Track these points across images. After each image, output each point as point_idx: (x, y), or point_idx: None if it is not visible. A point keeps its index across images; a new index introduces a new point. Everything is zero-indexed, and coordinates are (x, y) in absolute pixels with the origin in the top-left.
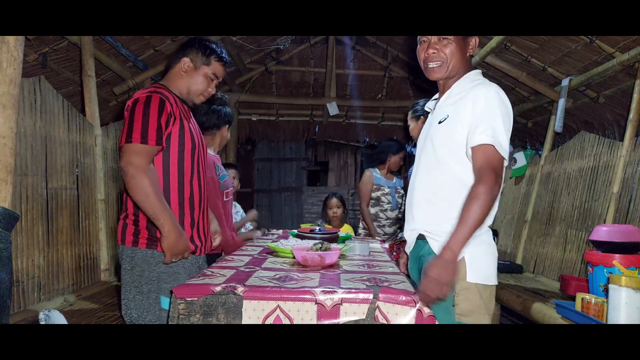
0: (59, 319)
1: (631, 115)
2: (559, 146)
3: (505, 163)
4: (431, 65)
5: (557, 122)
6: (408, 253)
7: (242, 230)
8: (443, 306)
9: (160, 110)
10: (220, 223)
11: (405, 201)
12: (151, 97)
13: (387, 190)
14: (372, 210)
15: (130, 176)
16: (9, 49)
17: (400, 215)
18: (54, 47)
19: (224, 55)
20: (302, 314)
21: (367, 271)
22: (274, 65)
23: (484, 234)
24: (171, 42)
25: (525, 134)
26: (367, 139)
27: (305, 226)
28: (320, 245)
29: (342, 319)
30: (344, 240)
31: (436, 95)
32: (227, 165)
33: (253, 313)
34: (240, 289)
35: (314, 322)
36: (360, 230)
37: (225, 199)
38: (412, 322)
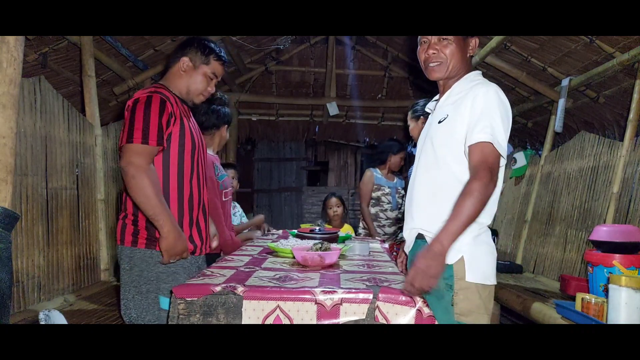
0: (59, 319)
1: (631, 115)
2: (559, 146)
3: (503, 162)
4: (431, 65)
5: (557, 122)
6: (407, 252)
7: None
8: (442, 306)
9: (161, 111)
10: (219, 223)
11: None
12: (152, 97)
13: (387, 190)
14: (372, 210)
15: (131, 176)
16: (9, 49)
17: (400, 216)
18: (54, 47)
19: (222, 54)
20: (302, 314)
21: (367, 271)
22: (274, 65)
23: (483, 234)
24: (171, 42)
25: (525, 134)
26: (367, 139)
27: (305, 226)
28: (320, 245)
29: (342, 319)
30: (344, 240)
31: (437, 96)
32: (226, 165)
33: (253, 313)
34: (240, 289)
35: (314, 322)
36: (360, 230)
37: (224, 199)
38: (412, 322)
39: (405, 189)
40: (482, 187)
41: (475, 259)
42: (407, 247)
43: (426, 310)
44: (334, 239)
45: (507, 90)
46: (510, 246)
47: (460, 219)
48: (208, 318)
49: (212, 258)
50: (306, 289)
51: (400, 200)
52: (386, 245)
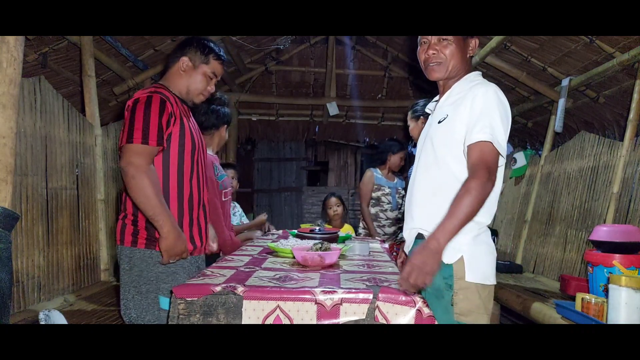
0: (59, 319)
1: (631, 115)
2: (559, 146)
3: (502, 161)
4: (431, 65)
5: (557, 122)
6: (407, 252)
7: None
8: (442, 305)
9: (161, 111)
10: (219, 223)
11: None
12: (152, 98)
13: (387, 190)
14: (372, 210)
15: (131, 176)
16: (9, 49)
17: (400, 216)
18: (54, 47)
19: (222, 53)
20: (302, 314)
21: (367, 271)
22: (274, 65)
23: (483, 234)
24: (171, 42)
25: (525, 134)
26: (367, 139)
27: (305, 226)
28: (320, 245)
29: (342, 319)
30: (344, 240)
31: (437, 97)
32: (226, 165)
33: (253, 313)
34: (240, 289)
35: (314, 322)
36: (361, 230)
37: (223, 199)
38: (412, 322)
39: (405, 189)
40: (479, 186)
41: (475, 258)
42: (407, 247)
43: (426, 310)
44: (334, 239)
45: (507, 90)
46: (510, 246)
47: (458, 217)
48: (208, 318)
49: (212, 258)
50: (306, 289)
51: (400, 201)
52: (386, 245)
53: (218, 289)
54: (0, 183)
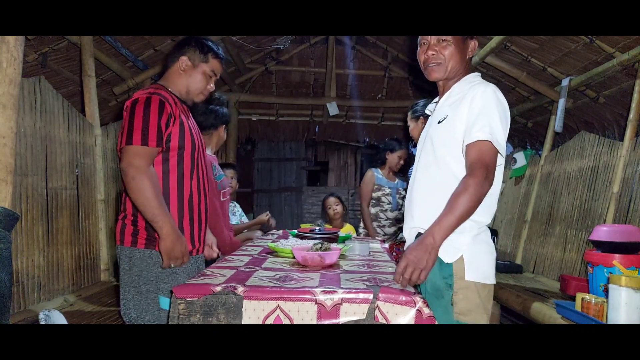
0: (59, 319)
1: (631, 115)
2: (559, 146)
3: (501, 161)
4: (430, 65)
5: (557, 122)
6: None
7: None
8: (442, 305)
9: (160, 112)
10: (218, 223)
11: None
12: (151, 99)
13: (387, 190)
14: (373, 210)
15: (131, 177)
16: (9, 49)
17: (400, 216)
18: (54, 47)
19: (220, 52)
20: (302, 314)
21: (367, 271)
22: (274, 65)
23: (483, 233)
24: (171, 42)
25: (525, 134)
26: (367, 139)
27: (305, 226)
28: (320, 245)
29: (342, 319)
30: (344, 240)
31: (436, 98)
32: (225, 165)
33: (253, 313)
34: (240, 289)
35: (314, 322)
36: (361, 230)
37: (222, 199)
38: (412, 322)
39: (406, 189)
40: (477, 184)
41: (474, 258)
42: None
43: (426, 310)
44: (334, 239)
45: (507, 90)
46: (510, 246)
47: (454, 214)
48: (208, 318)
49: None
50: (306, 289)
51: (400, 201)
52: (386, 245)
53: (218, 289)
54: (0, 183)
